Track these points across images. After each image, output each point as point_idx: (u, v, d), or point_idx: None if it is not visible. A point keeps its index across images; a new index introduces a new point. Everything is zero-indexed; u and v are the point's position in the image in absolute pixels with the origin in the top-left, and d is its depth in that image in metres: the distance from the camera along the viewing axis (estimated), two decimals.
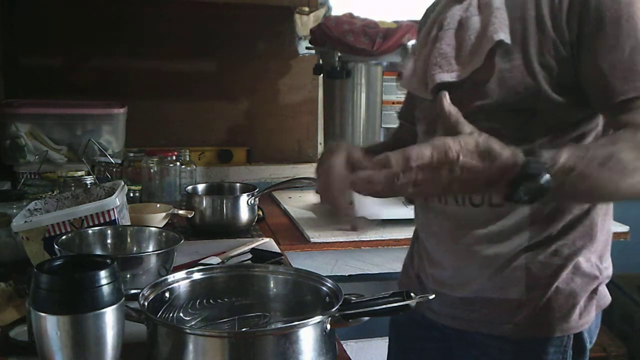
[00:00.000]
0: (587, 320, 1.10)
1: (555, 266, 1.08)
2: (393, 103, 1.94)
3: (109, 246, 1.36)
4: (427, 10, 1.30)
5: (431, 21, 1.17)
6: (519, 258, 1.08)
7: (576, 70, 0.99)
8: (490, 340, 1.12)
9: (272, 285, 1.11)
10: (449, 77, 1.07)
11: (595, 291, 1.10)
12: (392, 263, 1.89)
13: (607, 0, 0.96)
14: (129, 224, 1.46)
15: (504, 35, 1.01)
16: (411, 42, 1.87)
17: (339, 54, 1.93)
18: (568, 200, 1.05)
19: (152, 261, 1.24)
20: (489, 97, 1.03)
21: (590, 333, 1.12)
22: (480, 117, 1.01)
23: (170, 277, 1.06)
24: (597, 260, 1.11)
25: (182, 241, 1.31)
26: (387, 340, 1.38)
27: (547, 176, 0.83)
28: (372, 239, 1.86)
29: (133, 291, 1.09)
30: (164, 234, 1.39)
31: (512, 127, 1.01)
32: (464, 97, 1.04)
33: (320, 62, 2.08)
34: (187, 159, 2.17)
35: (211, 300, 1.09)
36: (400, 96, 1.94)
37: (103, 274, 0.84)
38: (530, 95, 1.00)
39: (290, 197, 2.29)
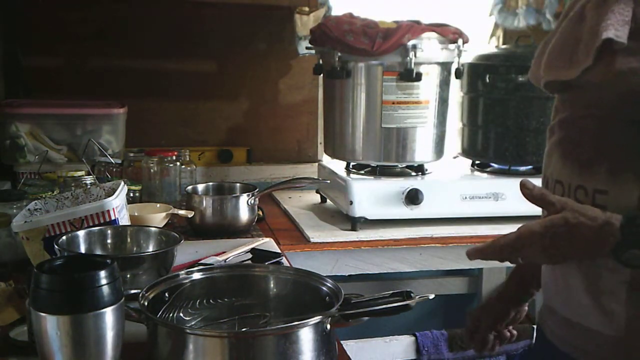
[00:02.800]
0: None
1: None
2: (393, 103, 1.93)
3: (109, 246, 1.36)
4: None
5: (567, 7, 1.04)
6: (621, 290, 0.93)
7: None
8: None
9: (272, 285, 1.11)
10: (557, 75, 0.98)
11: None
12: (392, 263, 1.89)
13: None
14: (129, 224, 1.46)
15: (614, 32, 0.88)
16: (411, 42, 1.87)
17: (339, 54, 1.92)
18: None
19: (152, 261, 1.24)
20: (601, 101, 0.93)
21: None
22: (590, 124, 0.94)
23: (170, 277, 1.06)
24: None
25: (182, 241, 1.32)
26: (387, 340, 1.37)
27: None
28: (372, 239, 1.86)
29: (133, 291, 1.10)
30: (164, 234, 1.39)
31: (626, 139, 0.91)
32: (576, 99, 0.97)
33: (320, 62, 2.07)
34: (187, 159, 2.16)
35: (211, 300, 1.09)
36: (400, 96, 1.93)
37: (103, 274, 0.85)
38: None
39: (290, 197, 2.29)
